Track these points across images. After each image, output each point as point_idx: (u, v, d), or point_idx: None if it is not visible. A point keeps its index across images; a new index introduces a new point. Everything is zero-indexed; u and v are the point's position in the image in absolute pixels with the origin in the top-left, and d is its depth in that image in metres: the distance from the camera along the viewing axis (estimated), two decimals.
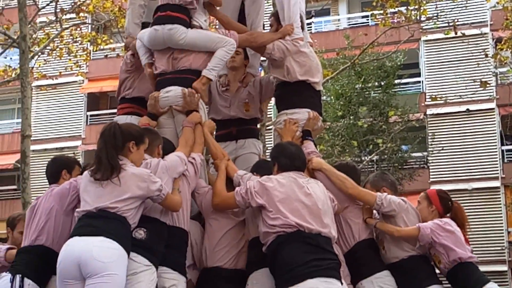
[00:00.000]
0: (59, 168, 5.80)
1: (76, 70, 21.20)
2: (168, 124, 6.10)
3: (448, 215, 6.15)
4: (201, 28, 6.33)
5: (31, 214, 5.54)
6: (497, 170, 26.68)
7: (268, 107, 7.57)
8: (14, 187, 29.69)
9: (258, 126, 7.25)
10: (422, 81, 28.18)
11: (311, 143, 6.29)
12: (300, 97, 6.41)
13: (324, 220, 5.41)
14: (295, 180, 5.48)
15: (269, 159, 5.84)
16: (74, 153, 26.51)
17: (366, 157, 22.28)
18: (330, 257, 5.29)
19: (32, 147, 17.06)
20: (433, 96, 21.43)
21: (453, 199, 6.31)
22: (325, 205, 5.47)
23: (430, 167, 26.85)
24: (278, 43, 6.46)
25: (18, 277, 5.18)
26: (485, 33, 25.16)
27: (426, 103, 26.85)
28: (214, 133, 6.56)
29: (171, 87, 6.11)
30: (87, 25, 22.68)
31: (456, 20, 18.49)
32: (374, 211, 6.11)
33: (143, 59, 6.40)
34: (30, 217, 5.54)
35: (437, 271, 6.06)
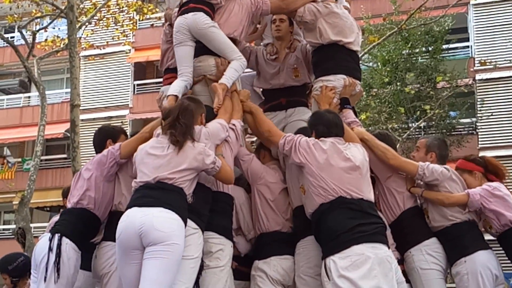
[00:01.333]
0: (104, 138, 5.95)
1: (123, 39, 21.36)
2: (203, 92, 6.13)
3: (495, 177, 6.10)
4: None
5: (75, 180, 5.73)
6: None
7: None
8: (64, 156, 30.23)
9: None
10: (471, 46, 27.66)
11: (351, 111, 6.24)
12: (334, 62, 6.33)
13: (366, 184, 5.42)
14: (334, 145, 5.48)
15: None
16: (122, 122, 26.87)
17: (413, 124, 22.06)
18: (375, 221, 5.30)
19: (81, 117, 17.29)
20: (482, 61, 21.08)
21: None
22: (364, 169, 5.47)
23: (479, 133, 26.45)
24: (308, 5, 6.42)
25: (57, 236, 5.34)
26: None
27: (475, 68, 26.37)
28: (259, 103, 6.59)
29: (202, 56, 6.14)
30: None
31: None
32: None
33: None
34: (73, 183, 5.75)
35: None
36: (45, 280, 5.18)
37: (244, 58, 6.10)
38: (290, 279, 5.70)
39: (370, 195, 5.41)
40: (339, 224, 5.19)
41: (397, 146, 6.13)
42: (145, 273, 4.75)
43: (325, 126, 5.60)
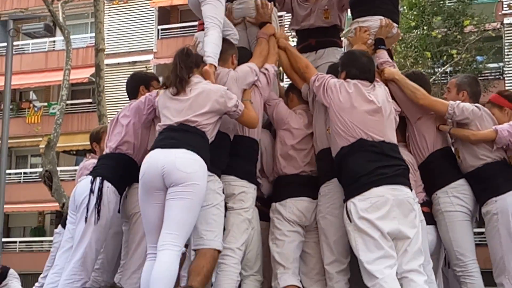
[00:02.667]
0: (137, 84, 6.00)
1: None
2: (241, 36, 6.09)
3: None
4: None
5: (112, 126, 5.80)
6: None
7: None
8: (90, 100, 30.39)
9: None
10: None
11: (385, 52, 6.17)
12: (372, 4, 6.24)
13: (389, 126, 5.41)
14: (358, 87, 5.46)
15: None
16: (146, 67, 26.86)
17: (439, 69, 21.84)
18: (397, 164, 5.31)
19: (106, 61, 17.32)
20: (511, 5, 20.66)
21: None
22: (387, 111, 5.45)
23: (506, 78, 26.13)
24: None
25: (98, 179, 5.42)
26: None
27: (503, 12, 25.92)
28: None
29: None
30: None
31: None
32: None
33: None
34: (110, 129, 5.82)
35: None
36: (85, 221, 5.29)
37: (236, 35, 5.88)
38: (307, 220, 5.77)
39: (392, 137, 5.42)
40: (359, 167, 5.22)
41: None
42: (168, 213, 4.85)
43: (357, 69, 5.56)
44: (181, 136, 5.04)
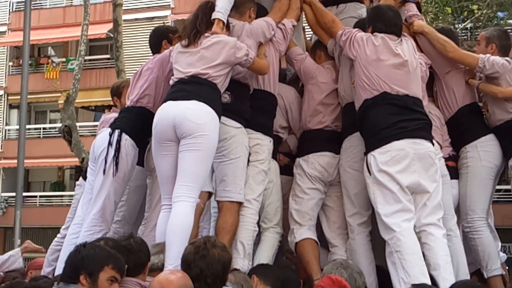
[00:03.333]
0: (159, 38, 6.01)
1: None
2: None
3: None
4: None
5: (135, 79, 5.81)
6: None
7: None
8: (107, 56, 30.36)
9: None
10: None
11: (413, 5, 6.11)
12: None
13: (414, 80, 5.39)
14: (385, 41, 5.44)
15: None
16: (164, 22, 26.72)
17: (459, 25, 21.58)
18: (419, 117, 5.30)
19: (123, 17, 17.25)
20: None
21: None
22: (413, 65, 5.42)
23: None
24: None
25: (117, 131, 5.45)
26: None
27: None
28: None
29: None
30: None
31: None
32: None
33: None
34: (133, 81, 5.83)
35: None
36: (104, 173, 5.34)
37: None
38: (330, 175, 5.80)
39: (417, 91, 5.39)
40: (380, 120, 5.22)
41: None
42: (181, 165, 4.89)
43: (384, 24, 5.53)
44: (192, 88, 5.07)
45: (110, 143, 5.39)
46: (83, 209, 5.56)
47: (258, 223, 5.60)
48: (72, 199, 7.17)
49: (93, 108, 30.14)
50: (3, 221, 28.68)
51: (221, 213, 5.29)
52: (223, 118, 5.19)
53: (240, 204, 5.29)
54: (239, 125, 5.31)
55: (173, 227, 4.72)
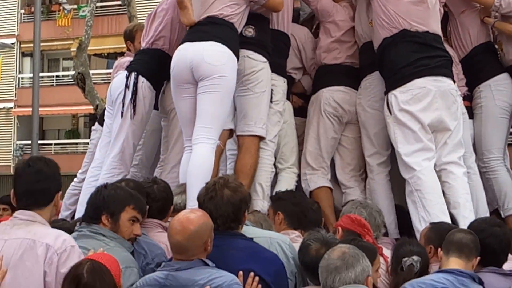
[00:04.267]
0: None
1: None
2: None
3: None
4: None
5: (149, 20, 5.73)
6: None
7: None
8: (119, 2, 30.11)
9: None
10: None
11: None
12: None
13: (433, 17, 5.30)
14: None
15: None
16: None
17: None
18: (440, 54, 5.22)
19: None
20: None
21: None
22: (432, 1, 5.32)
23: None
24: None
25: (133, 74, 5.39)
26: None
27: None
28: None
29: None
30: None
31: None
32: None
33: None
34: (148, 23, 5.75)
35: None
36: (122, 116, 5.31)
37: None
38: (345, 112, 5.75)
39: (437, 28, 5.31)
40: (401, 58, 5.15)
41: None
42: (200, 108, 4.85)
43: None
44: (209, 28, 4.99)
45: (127, 86, 5.34)
46: (101, 152, 5.55)
47: (274, 164, 5.58)
48: (86, 147, 7.16)
49: (105, 55, 30.06)
50: None
51: (241, 153, 5.25)
52: (249, 52, 5.16)
53: (261, 139, 5.25)
54: (264, 59, 5.25)
55: (193, 168, 4.71)
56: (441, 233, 4.15)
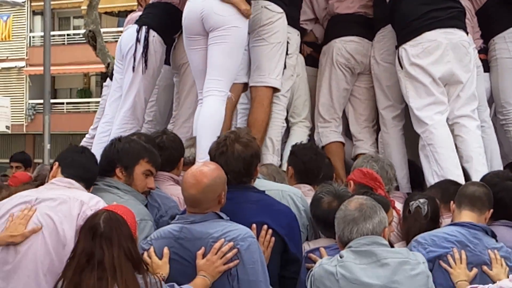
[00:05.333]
0: None
1: None
2: None
3: None
4: None
5: None
6: None
7: None
8: None
9: None
10: None
11: None
12: None
13: None
14: None
15: None
16: None
17: None
18: (451, 6, 5.16)
19: None
20: None
21: None
22: None
23: None
24: None
25: (144, 28, 5.34)
26: None
27: None
28: None
29: None
30: None
31: None
32: None
33: None
34: None
35: None
36: (133, 70, 5.27)
37: None
38: (357, 63, 5.72)
39: None
40: (411, 11, 5.10)
41: None
42: (210, 59, 4.83)
43: None
44: None
45: (138, 40, 5.30)
46: (111, 107, 5.52)
47: (286, 118, 5.58)
48: (98, 106, 7.15)
49: (116, 13, 29.86)
50: (32, 127, 29.06)
51: (253, 107, 5.23)
52: (266, 2, 5.12)
53: (275, 91, 5.22)
54: (281, 10, 5.20)
55: (202, 120, 4.71)
56: (443, 188, 4.23)
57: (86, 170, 3.61)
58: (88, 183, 3.62)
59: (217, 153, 3.64)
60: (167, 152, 4.27)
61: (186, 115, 5.48)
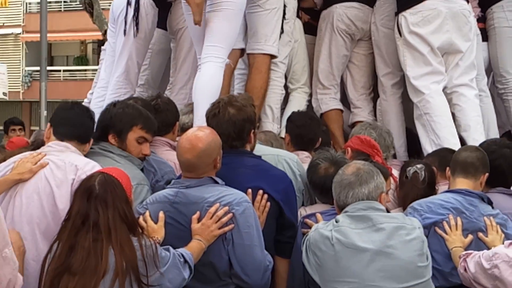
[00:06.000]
0: None
1: None
2: None
3: None
4: None
5: None
6: None
7: None
8: None
9: None
10: None
11: None
12: None
13: None
14: None
15: None
16: None
17: None
18: None
19: None
20: None
21: None
22: None
23: None
24: None
25: None
26: None
27: None
28: None
29: None
30: None
31: None
32: None
33: None
34: None
35: None
36: (124, 34, 5.22)
37: None
38: (357, 29, 5.68)
39: None
40: None
41: None
42: (208, 26, 4.77)
43: None
44: None
45: (129, 3, 5.21)
46: (106, 71, 5.47)
47: (285, 85, 5.55)
48: (95, 73, 7.11)
49: None
50: (29, 95, 28.99)
51: (251, 74, 5.20)
52: None
53: (272, 58, 5.19)
54: None
55: (199, 86, 4.67)
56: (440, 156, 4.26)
57: (78, 126, 3.57)
58: (82, 139, 3.58)
59: (210, 115, 3.63)
60: (162, 114, 4.24)
61: (183, 82, 5.45)
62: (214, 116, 3.60)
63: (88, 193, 3.00)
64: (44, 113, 15.09)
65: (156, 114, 4.11)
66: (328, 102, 5.69)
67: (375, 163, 3.81)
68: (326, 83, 5.69)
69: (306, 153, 4.50)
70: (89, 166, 3.36)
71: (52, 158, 3.41)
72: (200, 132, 3.44)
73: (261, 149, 3.88)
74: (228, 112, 3.58)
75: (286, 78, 5.60)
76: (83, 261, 2.88)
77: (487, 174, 3.79)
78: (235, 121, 3.57)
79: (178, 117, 4.43)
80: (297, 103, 5.56)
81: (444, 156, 4.31)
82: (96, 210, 2.95)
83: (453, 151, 4.40)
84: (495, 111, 5.69)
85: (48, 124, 3.63)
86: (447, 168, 3.91)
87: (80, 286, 2.87)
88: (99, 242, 2.91)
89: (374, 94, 5.75)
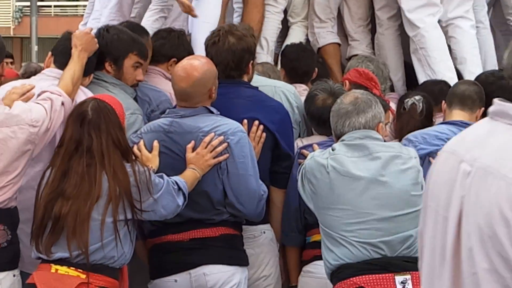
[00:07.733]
0: None
1: None
2: None
3: None
4: None
5: None
6: None
7: None
8: None
9: None
10: None
11: None
12: None
13: None
14: None
15: None
16: None
17: None
18: None
19: None
20: None
21: None
22: None
23: None
24: None
25: None
26: None
27: None
28: None
29: None
30: None
31: None
32: None
33: None
34: None
35: None
36: None
37: None
38: None
39: None
40: None
41: None
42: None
43: None
44: None
45: None
46: (100, 2, 5.39)
47: (285, 19, 5.47)
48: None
49: None
50: (19, 30, 28.65)
51: (247, 7, 5.11)
52: None
53: None
54: None
55: (198, 16, 4.58)
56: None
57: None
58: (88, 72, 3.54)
59: (209, 43, 3.58)
60: (162, 42, 4.17)
61: (175, 13, 5.35)
62: (213, 44, 3.55)
63: (81, 118, 2.99)
64: (35, 48, 15.00)
65: (157, 41, 4.09)
66: (326, 36, 5.59)
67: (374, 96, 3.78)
68: (323, 17, 5.59)
69: (303, 86, 4.47)
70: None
71: (46, 84, 3.36)
72: (195, 61, 3.40)
73: (258, 80, 3.84)
74: (228, 41, 3.52)
75: (287, 11, 5.50)
76: (77, 186, 2.90)
77: (483, 109, 3.78)
78: (234, 50, 3.52)
79: (179, 53, 4.28)
80: (296, 37, 5.46)
81: (440, 89, 4.29)
82: (89, 135, 2.95)
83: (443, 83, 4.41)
84: (495, 44, 5.59)
85: (49, 53, 3.60)
86: (443, 101, 3.89)
87: (74, 211, 2.89)
88: (92, 167, 2.92)
89: (372, 27, 5.65)
